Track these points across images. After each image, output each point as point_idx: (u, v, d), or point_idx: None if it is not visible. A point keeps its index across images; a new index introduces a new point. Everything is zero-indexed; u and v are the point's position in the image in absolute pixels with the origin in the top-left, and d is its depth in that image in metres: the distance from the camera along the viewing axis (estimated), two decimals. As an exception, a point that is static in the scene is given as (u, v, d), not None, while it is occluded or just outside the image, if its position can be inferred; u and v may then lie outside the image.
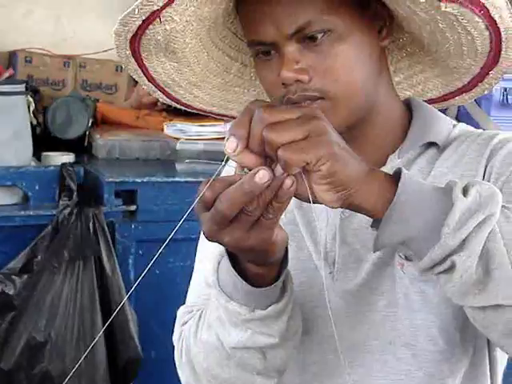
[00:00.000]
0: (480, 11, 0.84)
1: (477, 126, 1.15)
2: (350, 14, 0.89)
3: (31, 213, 1.99)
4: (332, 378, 0.99)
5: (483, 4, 0.84)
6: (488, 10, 0.85)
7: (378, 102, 0.97)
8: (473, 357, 0.98)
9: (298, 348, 0.95)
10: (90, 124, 2.42)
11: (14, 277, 1.91)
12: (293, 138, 0.71)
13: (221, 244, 0.78)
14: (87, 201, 2.02)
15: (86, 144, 2.41)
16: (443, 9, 0.83)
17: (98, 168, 2.17)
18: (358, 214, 0.81)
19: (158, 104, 2.59)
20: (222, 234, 0.75)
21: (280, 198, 0.73)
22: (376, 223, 0.78)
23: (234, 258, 0.84)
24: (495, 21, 0.86)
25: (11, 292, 1.90)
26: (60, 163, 2.07)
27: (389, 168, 0.96)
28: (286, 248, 0.84)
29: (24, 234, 1.96)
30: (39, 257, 1.93)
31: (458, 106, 2.32)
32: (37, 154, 2.17)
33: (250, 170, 0.72)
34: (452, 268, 0.75)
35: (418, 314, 0.96)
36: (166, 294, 2.03)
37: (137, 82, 1.03)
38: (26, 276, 1.92)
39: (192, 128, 2.38)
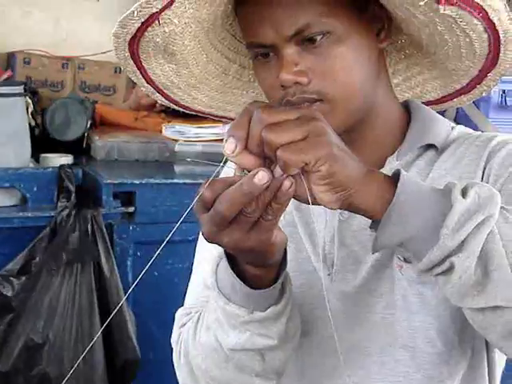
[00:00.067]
0: (479, 14, 0.84)
1: (475, 128, 1.15)
2: (348, 17, 0.89)
3: (29, 214, 1.98)
4: (331, 379, 0.99)
5: (482, 6, 0.84)
6: (487, 13, 0.85)
7: (377, 104, 0.97)
8: (471, 359, 0.98)
9: (296, 350, 0.95)
10: (88, 125, 2.41)
11: (12, 278, 1.90)
12: (292, 139, 0.71)
13: (220, 245, 0.77)
14: (85, 202, 2.02)
15: (84, 145, 2.41)
16: (442, 11, 0.83)
17: (97, 169, 2.17)
18: (357, 216, 0.81)
19: (157, 106, 2.59)
20: (221, 235, 0.75)
21: (279, 199, 0.73)
22: (375, 224, 0.78)
23: (232, 259, 0.84)
24: (494, 23, 0.86)
25: (9, 294, 1.90)
26: (58, 165, 2.06)
27: (387, 170, 0.95)
28: (285, 250, 0.84)
29: (22, 236, 1.95)
30: (37, 258, 1.92)
31: (457, 108, 2.32)
32: (35, 156, 2.16)
33: (249, 172, 0.72)
34: (451, 269, 0.75)
35: (417, 316, 0.96)
36: (164, 296, 2.02)
37: (135, 84, 1.03)
38: (24, 277, 1.91)
39: (190, 130, 2.38)
